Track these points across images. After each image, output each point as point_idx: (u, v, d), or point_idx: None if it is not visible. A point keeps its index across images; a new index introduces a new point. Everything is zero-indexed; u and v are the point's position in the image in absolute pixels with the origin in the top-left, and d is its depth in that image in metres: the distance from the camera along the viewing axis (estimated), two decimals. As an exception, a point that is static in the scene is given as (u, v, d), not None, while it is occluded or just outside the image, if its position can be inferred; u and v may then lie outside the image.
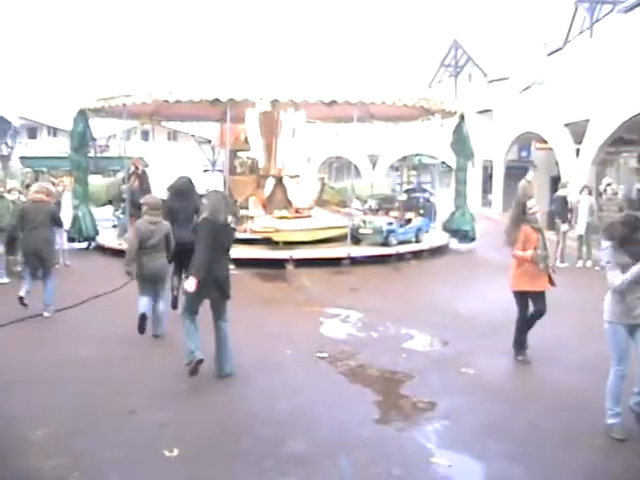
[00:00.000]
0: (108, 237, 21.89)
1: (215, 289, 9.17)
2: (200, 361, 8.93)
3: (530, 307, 10.29)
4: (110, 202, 24.85)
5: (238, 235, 19.49)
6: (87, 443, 7.12)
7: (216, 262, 9.14)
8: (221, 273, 9.26)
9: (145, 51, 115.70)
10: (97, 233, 21.92)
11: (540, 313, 10.16)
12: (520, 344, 10.36)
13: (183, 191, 13.66)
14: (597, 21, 37.06)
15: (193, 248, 9.41)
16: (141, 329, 10.84)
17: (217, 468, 6.69)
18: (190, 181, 14.16)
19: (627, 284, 7.22)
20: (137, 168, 22.22)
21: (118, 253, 18.95)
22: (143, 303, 11.01)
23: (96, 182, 27.05)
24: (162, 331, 11.26)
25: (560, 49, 39.38)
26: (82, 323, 11.88)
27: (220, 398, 8.50)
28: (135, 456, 6.89)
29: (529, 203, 10.27)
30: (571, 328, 10.73)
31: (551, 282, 10.17)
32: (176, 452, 6.92)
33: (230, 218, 9.81)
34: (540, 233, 10.24)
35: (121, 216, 22.06)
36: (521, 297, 10.32)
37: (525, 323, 10.33)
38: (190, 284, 8.91)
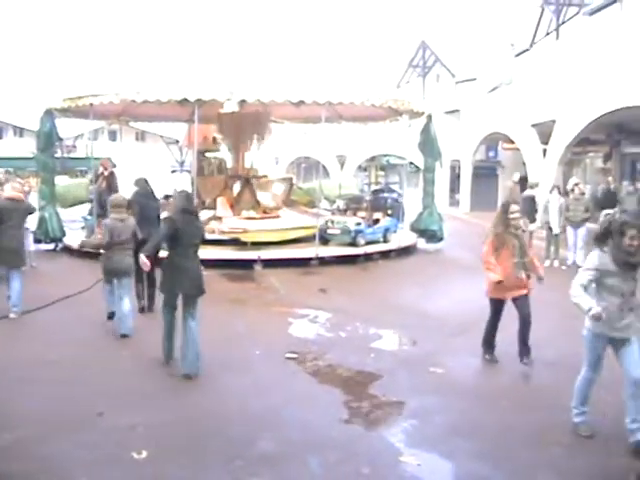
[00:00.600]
0: (75, 238, 21.73)
1: (187, 284, 9.31)
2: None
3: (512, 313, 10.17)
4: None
5: (206, 236, 19.56)
6: (55, 446, 7.07)
7: (185, 258, 9.37)
8: (192, 269, 9.41)
9: (113, 51, 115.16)
10: (64, 234, 21.74)
11: (525, 321, 9.95)
12: (488, 344, 10.39)
13: (147, 190, 14.15)
14: (563, 23, 37.37)
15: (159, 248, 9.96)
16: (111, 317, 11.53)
17: (186, 469, 6.67)
18: (147, 181, 14.53)
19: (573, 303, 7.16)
20: (105, 169, 22.10)
21: (85, 254, 18.85)
22: (112, 300, 11.34)
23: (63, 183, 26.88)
24: (129, 330, 11.16)
25: (527, 50, 39.65)
26: (50, 325, 11.76)
27: (189, 399, 8.47)
28: (104, 458, 6.85)
29: (512, 207, 10.13)
30: (542, 327, 10.76)
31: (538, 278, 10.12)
32: (145, 454, 6.89)
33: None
34: (519, 239, 10.03)
35: (89, 217, 21.90)
36: (495, 302, 10.23)
37: (495, 327, 10.29)
38: (143, 262, 9.38)
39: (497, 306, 10.20)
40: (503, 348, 10.21)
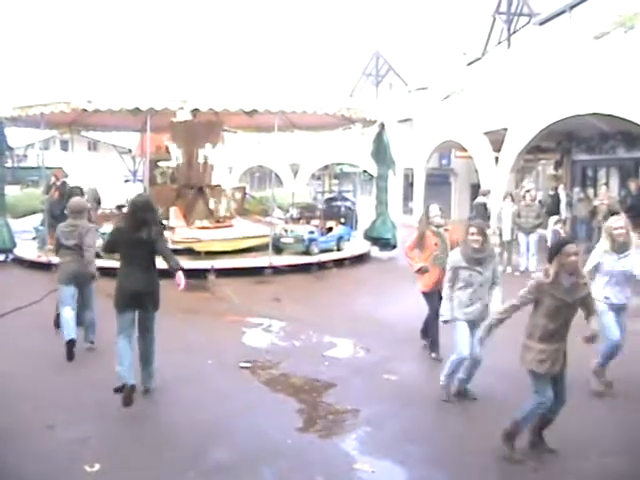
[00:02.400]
0: (27, 249, 21.49)
1: (135, 302, 8.70)
2: (132, 388, 8.29)
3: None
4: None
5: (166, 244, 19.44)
6: (3, 460, 6.97)
7: (130, 274, 8.71)
8: (139, 285, 8.68)
9: (64, 59, 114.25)
10: (15, 245, 21.49)
11: (433, 315, 10.55)
12: (433, 342, 10.86)
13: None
14: (514, 32, 37.77)
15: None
16: (69, 356, 10.24)
17: (139, 481, 6.63)
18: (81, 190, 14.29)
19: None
20: (57, 179, 21.92)
21: (37, 265, 18.66)
22: (67, 318, 10.53)
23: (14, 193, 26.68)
24: (93, 337, 11.01)
25: (479, 59, 39.98)
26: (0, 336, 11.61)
27: (141, 410, 8.39)
28: (55, 472, 6.77)
29: (431, 208, 10.90)
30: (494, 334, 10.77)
31: None
32: (97, 467, 6.81)
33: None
34: (440, 237, 10.65)
35: (40, 228, 21.68)
36: (427, 296, 10.87)
37: (436, 319, 10.49)
38: None
39: (432, 300, 10.69)
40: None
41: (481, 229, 8.58)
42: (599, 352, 9.20)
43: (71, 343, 10.26)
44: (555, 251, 6.91)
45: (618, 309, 9.22)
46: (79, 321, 10.84)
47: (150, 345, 8.97)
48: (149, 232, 8.75)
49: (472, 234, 8.44)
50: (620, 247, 8.96)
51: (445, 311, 8.82)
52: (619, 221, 9.16)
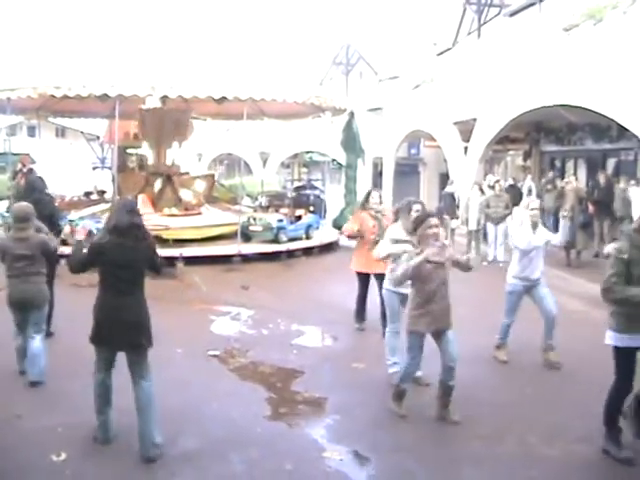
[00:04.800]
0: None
1: (120, 338, 7.00)
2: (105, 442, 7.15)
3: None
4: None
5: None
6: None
7: (114, 301, 7.00)
8: (124, 316, 6.97)
9: (31, 43, 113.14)
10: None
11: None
12: (360, 315, 12.18)
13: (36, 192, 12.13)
14: (484, 23, 37.84)
15: None
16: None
17: (106, 470, 6.59)
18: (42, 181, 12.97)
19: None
20: (24, 166, 21.75)
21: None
22: (19, 347, 9.34)
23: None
24: (39, 375, 8.98)
25: (449, 49, 40.01)
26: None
27: (109, 398, 8.36)
28: (22, 462, 6.71)
29: (372, 194, 11.76)
30: (461, 321, 10.78)
31: None
32: (64, 456, 6.78)
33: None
34: (378, 221, 11.28)
35: (6, 214, 21.46)
36: (360, 277, 11.96)
37: (364, 300, 12.08)
38: None
39: (363, 281, 11.97)
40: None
41: (424, 207, 9.21)
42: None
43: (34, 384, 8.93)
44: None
45: (532, 286, 10.03)
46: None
47: (149, 394, 7.22)
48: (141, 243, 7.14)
49: (417, 211, 8.85)
50: (534, 225, 9.98)
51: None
52: (534, 202, 10.46)
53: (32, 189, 12.64)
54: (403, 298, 8.80)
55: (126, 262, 6.96)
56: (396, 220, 9.52)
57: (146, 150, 23.89)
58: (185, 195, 22.73)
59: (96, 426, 7.22)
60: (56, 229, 11.52)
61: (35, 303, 9.12)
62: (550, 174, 25.77)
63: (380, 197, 11.79)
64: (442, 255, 7.68)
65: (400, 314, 9.02)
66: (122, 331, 6.95)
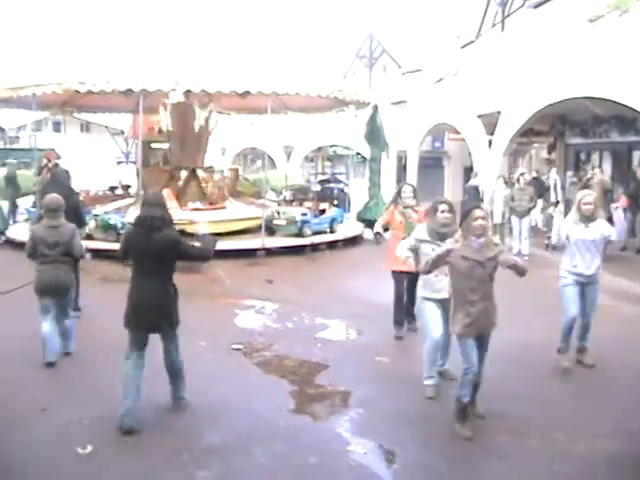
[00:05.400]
0: (19, 231, 21.42)
1: (144, 319, 7.58)
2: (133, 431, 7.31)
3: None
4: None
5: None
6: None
7: (139, 281, 7.65)
8: (147, 298, 7.56)
9: (56, 39, 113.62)
10: (7, 227, 21.43)
11: (409, 294, 11.16)
12: (397, 320, 11.29)
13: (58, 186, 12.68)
14: (508, 15, 37.61)
15: None
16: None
17: (132, 463, 6.62)
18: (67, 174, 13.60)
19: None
20: (49, 161, 21.88)
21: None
22: (47, 333, 9.53)
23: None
24: (72, 348, 9.93)
25: (473, 42, 39.82)
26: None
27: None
28: (47, 455, 6.76)
29: (404, 188, 11.24)
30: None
31: None
32: (89, 449, 6.82)
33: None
34: (405, 217, 10.90)
35: (33, 209, 21.61)
36: (393, 276, 11.29)
37: (400, 300, 11.33)
38: None
39: (397, 280, 11.28)
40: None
41: (451, 206, 8.76)
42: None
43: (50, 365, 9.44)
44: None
45: (586, 282, 9.51)
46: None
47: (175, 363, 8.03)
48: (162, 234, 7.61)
49: (442, 211, 8.58)
50: (586, 219, 9.38)
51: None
52: (588, 196, 9.56)
53: (58, 182, 13.09)
54: (439, 304, 8.51)
55: (146, 251, 7.51)
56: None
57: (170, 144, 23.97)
58: (209, 189, 22.76)
59: (121, 413, 7.35)
60: (80, 223, 11.60)
61: (64, 288, 9.71)
62: (589, 169, 25.31)
63: (413, 192, 11.18)
64: (482, 253, 7.25)
65: (440, 322, 8.51)
66: (146, 314, 7.56)
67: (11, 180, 24.32)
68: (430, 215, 8.76)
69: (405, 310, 11.27)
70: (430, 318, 8.62)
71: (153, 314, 7.60)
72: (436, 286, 8.47)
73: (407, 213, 10.91)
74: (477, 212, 7.27)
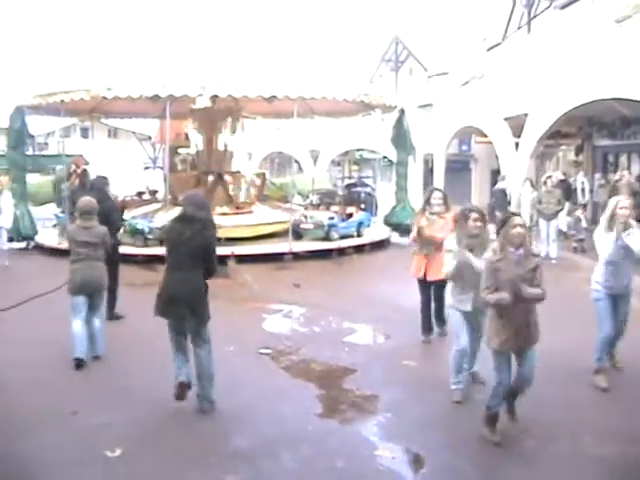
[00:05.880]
0: (48, 236, 21.57)
1: (176, 309, 7.93)
2: (185, 385, 8.00)
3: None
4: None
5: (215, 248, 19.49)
6: (27, 446, 7.01)
7: (170, 274, 8.06)
8: (179, 290, 7.91)
9: (83, 46, 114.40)
10: (36, 232, 21.59)
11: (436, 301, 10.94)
12: (424, 326, 11.17)
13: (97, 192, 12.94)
14: (535, 17, 37.44)
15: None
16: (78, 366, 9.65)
17: (160, 467, 6.65)
18: (105, 181, 13.82)
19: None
20: (78, 167, 22.05)
21: (58, 252, 18.71)
22: (77, 331, 9.77)
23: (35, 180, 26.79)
24: (101, 351, 10.06)
25: (499, 44, 39.69)
26: (20, 324, 11.52)
27: (162, 396, 8.40)
28: (77, 458, 6.81)
29: (434, 194, 10.89)
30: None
31: None
32: (118, 452, 6.86)
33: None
34: (430, 224, 10.57)
35: (61, 215, 21.76)
36: (419, 284, 11.19)
37: (427, 307, 11.19)
38: None
39: (423, 288, 11.15)
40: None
41: (482, 214, 8.51)
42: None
43: (79, 362, 9.65)
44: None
45: (619, 294, 9.05)
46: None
47: (205, 360, 8.21)
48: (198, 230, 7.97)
49: (474, 220, 8.29)
50: (622, 227, 8.63)
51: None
52: (625, 201, 8.90)
53: (96, 188, 13.50)
54: (466, 315, 8.42)
55: (180, 244, 7.92)
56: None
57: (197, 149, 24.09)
58: (236, 194, 22.84)
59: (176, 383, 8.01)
60: (112, 228, 11.71)
61: (98, 286, 10.13)
62: (625, 173, 24.90)
63: (443, 198, 10.87)
64: (522, 266, 6.94)
65: (466, 332, 8.45)
66: (173, 304, 7.91)
67: (59, 185, 24.52)
68: (460, 223, 8.45)
69: (435, 314, 11.14)
70: (456, 326, 8.56)
71: (181, 304, 7.90)
72: (461, 297, 8.42)
73: (432, 219, 10.67)
74: (516, 220, 7.03)
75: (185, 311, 7.94)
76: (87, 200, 10.39)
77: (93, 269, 9.97)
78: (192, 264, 7.97)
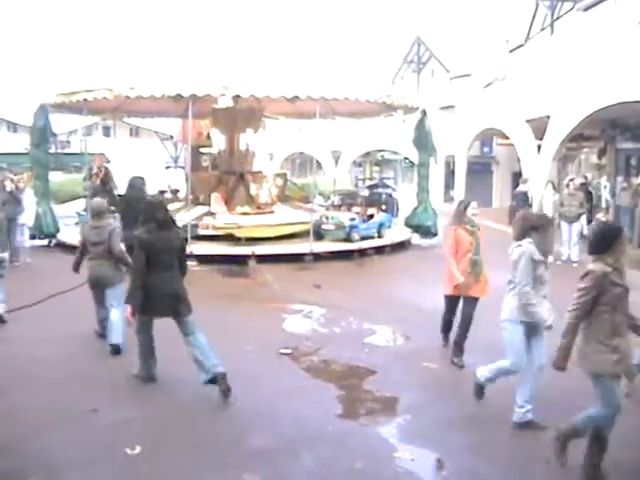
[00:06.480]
0: (69, 234, 21.65)
1: (170, 305, 8.55)
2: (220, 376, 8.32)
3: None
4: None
5: (201, 231, 19.53)
6: (48, 443, 7.05)
7: (160, 276, 8.51)
8: (172, 287, 8.58)
9: (107, 46, 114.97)
10: (58, 230, 21.68)
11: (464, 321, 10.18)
12: (445, 333, 10.90)
13: (135, 193, 14.13)
14: (558, 18, 37.31)
15: None
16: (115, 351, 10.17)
17: (180, 465, 6.66)
18: (143, 181, 14.60)
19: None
20: (99, 167, 22.18)
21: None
22: (112, 319, 10.28)
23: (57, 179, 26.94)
24: (117, 340, 10.22)
25: (521, 46, 39.60)
26: (40, 322, 11.55)
27: (182, 394, 8.45)
28: (96, 455, 6.83)
29: (472, 204, 10.25)
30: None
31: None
32: (138, 449, 6.88)
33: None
34: (474, 237, 10.06)
35: (83, 213, 21.84)
36: (447, 299, 10.61)
37: (449, 324, 10.74)
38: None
39: (451, 304, 10.57)
40: (500, 344, 10.15)
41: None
42: None
43: (114, 347, 10.19)
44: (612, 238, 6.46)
45: None
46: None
47: (202, 342, 8.60)
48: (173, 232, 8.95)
49: (474, 208, 8.30)
50: None
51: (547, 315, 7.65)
52: None
53: (133, 187, 14.53)
54: (531, 328, 7.68)
55: (168, 248, 8.67)
56: (522, 236, 7.77)
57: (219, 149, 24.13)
58: (257, 194, 22.85)
59: (142, 371, 8.87)
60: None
61: (108, 281, 10.57)
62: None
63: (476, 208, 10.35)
64: (624, 279, 6.46)
65: (527, 349, 7.73)
66: (168, 299, 8.57)
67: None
68: (542, 230, 7.65)
69: (457, 340, 10.24)
70: (514, 345, 7.76)
71: (174, 300, 8.59)
72: (536, 308, 7.58)
73: (475, 232, 10.14)
74: (624, 233, 6.66)
75: (178, 305, 8.58)
76: (98, 202, 11.28)
77: (101, 266, 10.55)
78: (174, 264, 8.74)
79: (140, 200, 11.75)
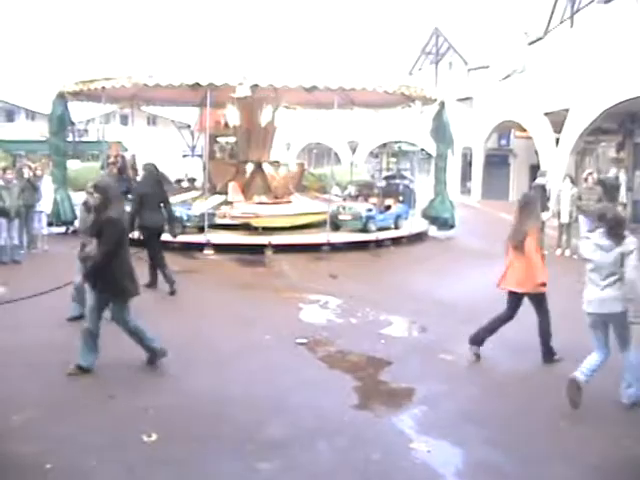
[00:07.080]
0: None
1: (134, 285, 8.92)
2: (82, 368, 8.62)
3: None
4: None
5: (218, 220, 19.58)
6: (66, 429, 7.06)
7: (129, 261, 8.92)
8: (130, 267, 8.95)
9: (125, 34, 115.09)
10: (75, 217, 21.71)
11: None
12: (479, 338, 9.98)
13: (151, 178, 14.01)
14: (578, 11, 37.03)
15: (161, 231, 10.46)
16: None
17: (196, 453, 6.67)
18: (156, 167, 14.48)
19: None
20: (115, 155, 22.27)
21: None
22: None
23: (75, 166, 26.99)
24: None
25: (541, 38, 39.35)
26: (58, 308, 11.56)
27: (199, 383, 8.45)
28: (114, 441, 6.84)
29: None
30: (561, 315, 10.52)
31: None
32: (155, 437, 6.89)
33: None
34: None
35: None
36: (511, 297, 9.76)
37: (505, 321, 9.83)
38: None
39: (515, 302, 9.70)
40: (517, 337, 10.14)
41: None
42: None
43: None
44: None
45: None
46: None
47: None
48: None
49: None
50: None
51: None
52: None
53: (159, 177, 14.59)
54: (592, 321, 7.93)
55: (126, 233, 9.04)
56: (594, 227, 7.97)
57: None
58: (275, 183, 22.86)
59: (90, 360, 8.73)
60: (170, 218, 12.39)
61: None
62: None
63: None
64: None
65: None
66: (128, 283, 8.80)
67: None
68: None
69: (545, 339, 9.72)
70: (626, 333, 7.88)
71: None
72: (586, 297, 7.86)
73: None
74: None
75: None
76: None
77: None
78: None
79: (167, 190, 12.01)
